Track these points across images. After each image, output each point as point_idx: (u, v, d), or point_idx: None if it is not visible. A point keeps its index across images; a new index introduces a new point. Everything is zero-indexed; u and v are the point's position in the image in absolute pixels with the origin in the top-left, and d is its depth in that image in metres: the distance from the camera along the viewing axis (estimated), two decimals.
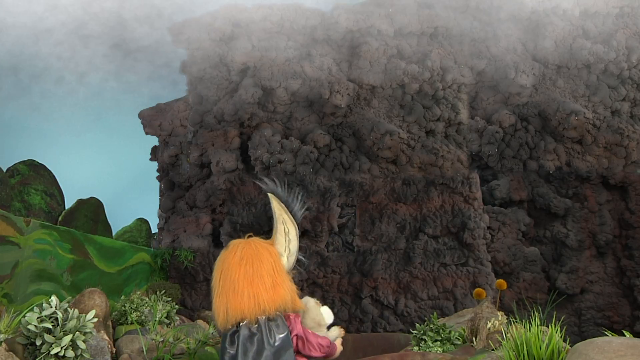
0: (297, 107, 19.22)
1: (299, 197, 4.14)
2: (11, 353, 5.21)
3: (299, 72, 18.95)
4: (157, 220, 20.59)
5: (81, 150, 46.74)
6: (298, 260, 4.06)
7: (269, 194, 4.04)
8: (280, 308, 3.71)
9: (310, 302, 4.25)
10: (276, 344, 3.66)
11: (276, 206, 4.01)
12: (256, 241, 3.91)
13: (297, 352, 3.84)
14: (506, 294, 17.87)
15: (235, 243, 3.91)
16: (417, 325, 8.39)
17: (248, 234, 4.01)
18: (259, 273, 3.70)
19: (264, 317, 3.66)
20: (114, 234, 22.15)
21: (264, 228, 17.67)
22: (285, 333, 3.71)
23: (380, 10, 19.61)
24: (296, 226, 4.03)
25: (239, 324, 3.70)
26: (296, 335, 3.81)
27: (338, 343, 4.21)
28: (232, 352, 3.68)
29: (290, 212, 4.00)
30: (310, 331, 3.98)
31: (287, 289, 3.77)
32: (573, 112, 19.37)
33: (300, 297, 3.99)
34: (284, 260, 3.91)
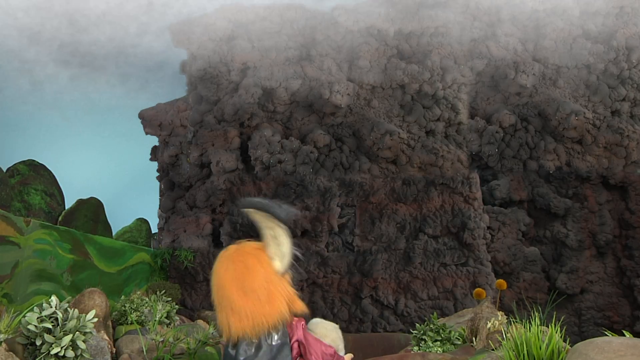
0: (297, 107, 19.22)
1: (277, 200, 4.12)
2: (11, 353, 5.21)
3: (299, 72, 18.95)
4: (157, 220, 20.59)
5: (81, 150, 46.75)
6: (295, 258, 4.01)
7: (245, 211, 3.98)
8: (279, 321, 3.71)
9: (329, 326, 4.22)
10: (274, 343, 3.69)
11: (257, 218, 3.94)
12: (245, 249, 3.86)
13: (300, 355, 3.85)
14: (506, 294, 17.87)
15: (225, 256, 3.88)
16: (417, 325, 8.40)
17: (237, 239, 3.98)
18: (252, 287, 3.68)
19: (265, 332, 3.69)
20: (114, 234, 22.14)
21: None
22: (284, 339, 3.73)
23: (380, 10, 19.62)
24: (285, 227, 3.96)
25: (239, 340, 3.75)
26: (297, 340, 3.81)
27: (348, 358, 4.19)
28: (232, 352, 3.73)
29: (274, 216, 3.91)
30: (314, 337, 3.96)
31: (283, 297, 3.75)
32: (573, 112, 19.37)
33: (300, 298, 3.98)
34: (277, 264, 3.85)
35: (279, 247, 3.89)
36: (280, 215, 3.89)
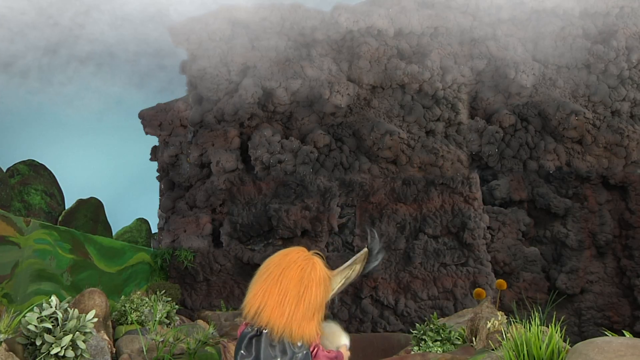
0: (297, 107, 19.22)
1: (380, 258, 4.23)
2: (11, 353, 5.20)
3: (299, 72, 18.95)
4: (157, 220, 20.58)
5: (81, 150, 46.76)
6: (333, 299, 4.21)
7: (370, 245, 4.16)
8: (302, 340, 3.73)
9: (337, 329, 4.30)
10: (297, 354, 3.70)
11: (360, 259, 4.13)
12: (322, 266, 3.92)
13: None
14: (506, 294, 17.87)
15: (307, 256, 3.89)
16: (417, 325, 8.40)
17: (315, 250, 4.01)
18: (309, 301, 3.71)
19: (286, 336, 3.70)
20: (114, 234, 22.15)
21: (264, 228, 17.67)
22: (305, 351, 3.75)
23: (380, 10, 19.62)
24: (356, 277, 4.16)
25: (260, 329, 3.72)
26: (316, 346, 3.86)
27: (344, 350, 4.23)
28: (246, 355, 3.70)
29: (365, 268, 4.10)
30: (324, 351, 4.01)
31: (317, 326, 3.81)
32: (573, 112, 19.37)
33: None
34: (329, 296, 3.99)
35: (341, 285, 4.06)
36: (367, 268, 4.10)
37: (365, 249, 4.14)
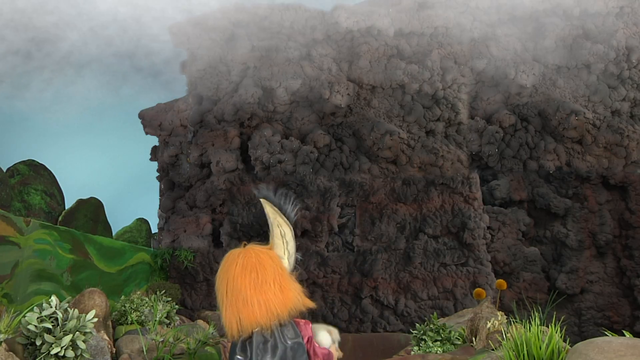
0: (297, 107, 19.22)
1: (291, 199, 4.14)
2: (11, 353, 5.20)
3: (299, 72, 18.95)
4: (157, 220, 20.57)
5: (81, 150, 46.76)
6: (297, 260, 4.07)
7: (261, 200, 4.06)
8: (292, 310, 3.72)
9: (322, 330, 4.25)
10: (289, 344, 3.68)
11: (270, 210, 4.02)
12: (255, 248, 3.90)
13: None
14: (506, 294, 17.86)
15: (234, 253, 3.89)
16: (417, 325, 8.40)
17: (243, 242, 4.00)
18: (265, 279, 3.70)
19: (277, 323, 3.67)
20: (114, 234, 22.13)
21: (264, 228, 17.63)
22: (298, 339, 3.73)
23: (380, 10, 19.62)
24: (291, 227, 4.04)
25: (252, 331, 3.71)
26: (309, 339, 3.83)
27: (333, 349, 4.21)
28: (242, 358, 3.70)
29: (284, 214, 4.00)
30: (319, 347, 4.00)
31: (295, 290, 3.78)
32: (573, 112, 19.37)
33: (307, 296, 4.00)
34: (285, 262, 3.92)
35: (286, 245, 3.95)
36: (290, 216, 3.98)
37: (261, 200, 4.04)
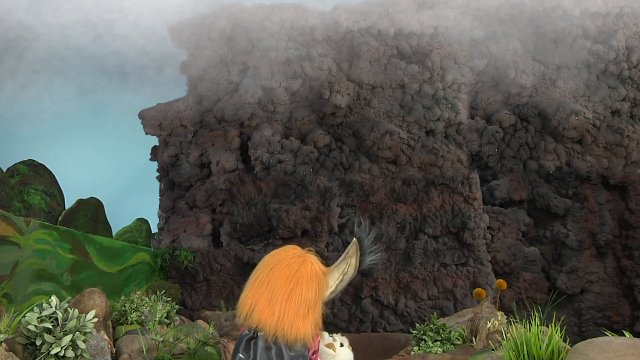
0: (297, 107, 19.22)
1: (379, 251, 4.11)
2: (11, 353, 5.20)
3: (299, 72, 18.95)
4: (157, 220, 20.58)
5: (81, 150, 46.76)
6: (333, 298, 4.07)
7: (357, 235, 4.02)
8: (298, 340, 3.66)
9: (328, 340, 4.21)
10: (292, 354, 3.63)
11: (353, 250, 3.98)
12: (315, 263, 3.82)
13: None
14: (506, 294, 17.86)
15: (296, 252, 3.80)
16: (417, 325, 8.40)
17: (308, 248, 3.93)
18: (300, 297, 3.60)
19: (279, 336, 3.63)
20: (114, 234, 22.13)
21: (264, 228, 17.67)
22: (304, 350, 3.69)
23: (380, 10, 19.62)
24: (355, 273, 4.01)
25: (257, 331, 3.67)
26: (314, 351, 3.79)
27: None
28: (244, 358, 3.66)
29: (361, 261, 3.96)
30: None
31: (314, 323, 3.71)
32: (573, 112, 19.37)
33: (322, 329, 3.96)
34: (326, 293, 3.86)
35: (339, 282, 3.92)
36: (364, 264, 3.93)
37: (355, 239, 4.04)
